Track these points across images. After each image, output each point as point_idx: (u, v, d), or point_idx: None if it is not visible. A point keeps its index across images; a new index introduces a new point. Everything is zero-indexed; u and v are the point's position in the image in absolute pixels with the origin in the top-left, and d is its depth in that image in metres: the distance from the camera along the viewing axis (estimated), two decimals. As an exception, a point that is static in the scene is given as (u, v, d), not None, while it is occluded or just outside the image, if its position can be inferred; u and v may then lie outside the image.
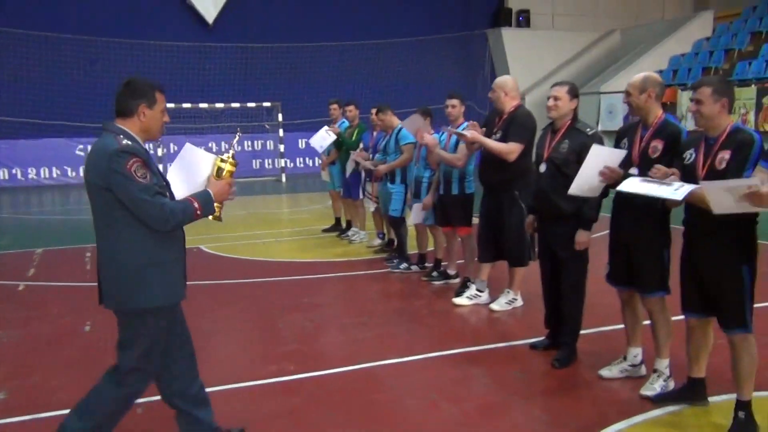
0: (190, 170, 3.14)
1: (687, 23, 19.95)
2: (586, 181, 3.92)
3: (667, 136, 3.84)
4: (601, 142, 4.31)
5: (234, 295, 6.43)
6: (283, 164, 18.50)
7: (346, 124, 8.71)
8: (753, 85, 14.62)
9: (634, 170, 3.93)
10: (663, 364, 4.03)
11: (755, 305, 3.43)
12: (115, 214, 2.87)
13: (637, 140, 3.97)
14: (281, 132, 18.47)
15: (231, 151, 3.18)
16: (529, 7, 22.32)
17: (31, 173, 17.85)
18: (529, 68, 20.83)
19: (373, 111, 7.74)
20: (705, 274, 3.50)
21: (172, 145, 18.55)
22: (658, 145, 3.86)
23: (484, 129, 5.58)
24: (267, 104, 18.56)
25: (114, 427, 3.12)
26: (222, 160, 3.14)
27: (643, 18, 22.83)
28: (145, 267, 2.91)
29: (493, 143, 5.37)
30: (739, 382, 3.48)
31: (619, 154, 3.90)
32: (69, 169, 18.01)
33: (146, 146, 3.03)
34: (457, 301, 5.95)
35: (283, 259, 8.11)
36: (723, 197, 2.99)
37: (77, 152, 18.00)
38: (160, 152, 17.65)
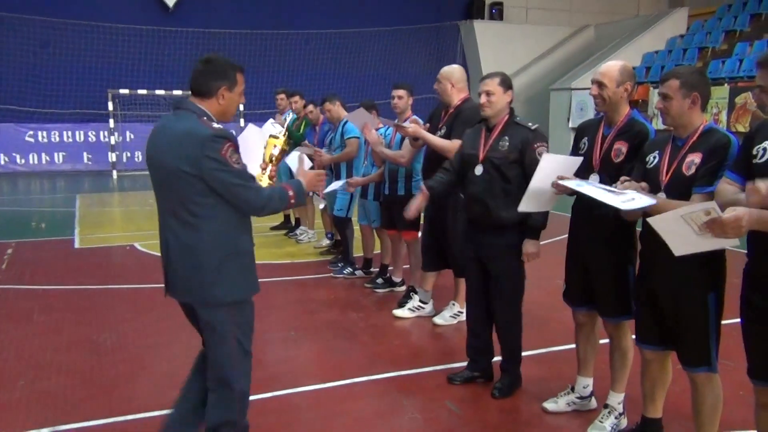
0: (250, 149, 3.06)
1: (661, 20, 19.56)
2: (537, 194, 3.35)
3: (632, 137, 3.28)
4: (544, 140, 3.78)
5: (151, 301, 5.78)
6: (243, 155, 17.77)
7: (295, 117, 8.11)
8: (726, 84, 14.22)
9: (594, 177, 3.38)
10: (616, 399, 3.52)
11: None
12: (201, 201, 2.67)
13: (599, 141, 3.41)
14: (242, 122, 17.74)
15: (283, 130, 3.19)
16: (503, 0, 21.80)
17: (3, 160, 16.88)
18: (501, 62, 20.23)
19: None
20: (663, 301, 2.98)
21: (128, 133, 17.78)
22: (622, 147, 3.30)
23: (428, 125, 5.02)
24: (228, 93, 17.79)
25: None
26: (273, 137, 3.17)
27: (617, 14, 22.41)
28: (228, 258, 2.75)
29: (436, 140, 4.82)
30: (701, 427, 2.98)
31: (574, 162, 3.33)
32: (18, 156, 17.09)
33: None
34: (398, 313, 5.40)
35: (220, 260, 7.47)
36: (680, 231, 2.41)
37: (27, 138, 17.08)
38: (112, 140, 16.84)
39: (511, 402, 3.85)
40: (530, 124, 3.85)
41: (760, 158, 2.49)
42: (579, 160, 3.34)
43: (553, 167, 3.27)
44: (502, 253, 3.82)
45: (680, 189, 2.81)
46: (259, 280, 6.38)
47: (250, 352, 2.97)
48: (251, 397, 3.81)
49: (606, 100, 3.33)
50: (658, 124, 15.24)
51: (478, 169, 3.89)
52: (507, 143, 3.80)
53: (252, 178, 2.80)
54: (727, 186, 2.60)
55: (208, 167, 2.62)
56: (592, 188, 2.94)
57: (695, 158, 2.82)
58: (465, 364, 4.36)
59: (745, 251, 2.59)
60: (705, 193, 2.72)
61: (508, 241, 3.80)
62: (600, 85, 3.32)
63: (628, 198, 2.76)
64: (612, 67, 3.34)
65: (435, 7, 21.38)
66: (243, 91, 2.85)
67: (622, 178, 3.00)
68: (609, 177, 3.29)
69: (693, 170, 2.80)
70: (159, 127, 2.81)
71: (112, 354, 4.56)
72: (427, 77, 19.28)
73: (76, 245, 8.27)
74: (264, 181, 3.14)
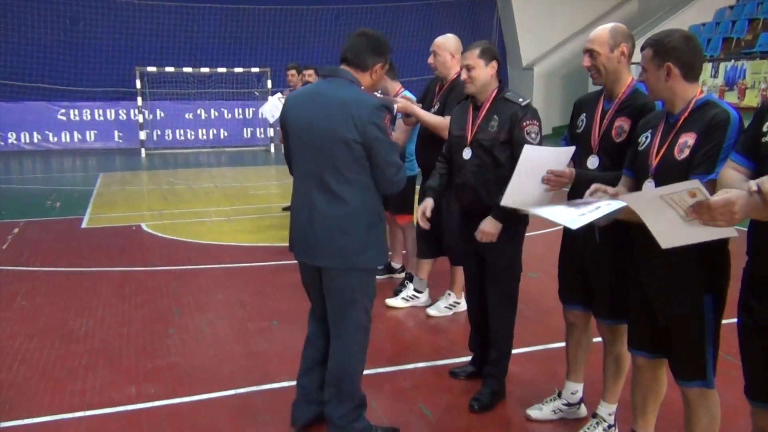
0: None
1: (709, -9, 18.52)
2: (523, 190, 2.89)
3: (635, 112, 2.81)
4: (535, 117, 3.33)
5: (141, 286, 5.57)
6: (272, 134, 17.54)
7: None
8: (776, 58, 13.34)
9: (594, 159, 2.95)
10: (607, 409, 3.11)
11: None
12: (355, 168, 2.73)
13: (598, 118, 2.95)
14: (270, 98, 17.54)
15: None
16: (542, -29, 20.95)
17: (11, 138, 17.05)
18: (539, 37, 19.59)
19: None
20: (654, 302, 2.56)
21: (158, 111, 17.74)
22: (624, 124, 2.84)
23: (420, 104, 4.61)
24: (255, 70, 17.55)
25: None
26: None
27: (664, -16, 21.36)
28: (373, 226, 2.83)
29: (428, 116, 4.42)
30: (692, 452, 2.56)
31: (565, 153, 2.90)
32: (50, 134, 17.22)
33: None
34: (391, 302, 5.05)
35: (223, 242, 7.23)
36: (663, 216, 1.96)
37: (59, 117, 17.21)
38: (141, 118, 16.79)
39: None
40: (521, 99, 3.38)
41: None
42: (570, 150, 2.90)
43: (540, 160, 2.85)
44: (498, 243, 3.37)
45: (670, 175, 2.33)
46: (256, 264, 6.18)
47: (370, 319, 3.04)
48: (216, 394, 3.62)
49: (602, 71, 2.87)
50: (701, 100, 14.46)
51: (467, 153, 3.44)
52: (496, 122, 3.35)
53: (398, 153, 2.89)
54: (731, 172, 2.14)
55: (373, 134, 2.69)
56: (551, 210, 2.47)
57: (688, 139, 2.37)
58: (454, 361, 4.04)
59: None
60: (706, 182, 2.26)
61: (504, 231, 3.35)
62: (591, 53, 2.87)
63: (590, 209, 2.29)
64: (602, 30, 2.88)
65: (471, -20, 20.71)
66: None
67: (596, 185, 2.54)
68: (609, 159, 2.87)
69: (686, 153, 2.35)
70: (310, 92, 2.88)
71: (81, 342, 4.34)
72: (462, 53, 18.82)
73: (84, 225, 8.14)
74: None
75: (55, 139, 17.27)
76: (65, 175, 13.28)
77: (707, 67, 14.23)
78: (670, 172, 2.38)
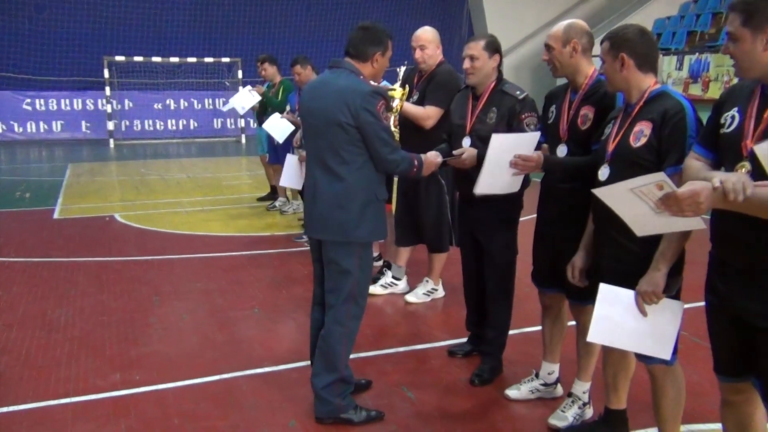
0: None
1: (675, -16, 18.89)
2: (494, 177, 3.10)
3: (598, 101, 2.98)
4: (533, 110, 3.46)
5: (118, 275, 5.57)
6: (243, 124, 17.47)
7: (270, 84, 7.86)
8: None
9: (563, 148, 3.09)
10: (581, 387, 3.25)
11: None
12: (351, 150, 2.98)
13: (565, 108, 3.11)
14: (240, 88, 17.44)
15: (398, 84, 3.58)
16: (512, -37, 21.12)
17: None
18: (509, 30, 19.70)
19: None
20: (612, 282, 2.67)
21: (126, 101, 17.53)
22: (588, 113, 3.00)
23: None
24: (226, 60, 17.44)
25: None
26: (392, 89, 3.55)
27: (631, -22, 21.71)
28: (369, 203, 3.04)
29: (408, 106, 4.51)
30: (662, 423, 2.71)
31: (530, 138, 3.07)
32: (15, 125, 16.92)
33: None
34: (370, 290, 5.13)
35: (198, 232, 7.24)
36: (635, 208, 2.08)
37: (24, 106, 16.92)
38: (109, 108, 16.56)
39: (469, 388, 3.58)
40: (518, 92, 3.51)
41: (728, 127, 2.16)
42: (536, 135, 3.08)
43: (508, 146, 3.01)
44: (494, 228, 3.55)
45: (625, 161, 2.53)
46: (233, 254, 6.22)
47: (365, 295, 3.21)
48: (201, 380, 3.67)
49: (557, 65, 3.05)
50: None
51: (466, 141, 3.57)
52: (495, 114, 3.49)
53: (394, 138, 3.13)
54: (694, 162, 2.27)
55: (365, 119, 2.93)
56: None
57: (644, 128, 2.51)
58: (434, 345, 4.17)
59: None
60: (678, 174, 2.40)
61: (500, 216, 3.53)
62: (548, 48, 3.05)
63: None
64: (557, 27, 3.06)
65: (441, -29, 20.80)
66: (390, 56, 3.17)
67: (518, 154, 2.87)
68: (577, 146, 3.03)
69: (642, 141, 2.50)
70: (319, 82, 3.19)
71: (62, 331, 4.35)
72: (432, 44, 18.89)
73: (56, 216, 8.07)
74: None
75: (21, 129, 16.99)
76: (32, 166, 13.10)
77: (672, 60, 14.55)
78: (624, 159, 2.54)
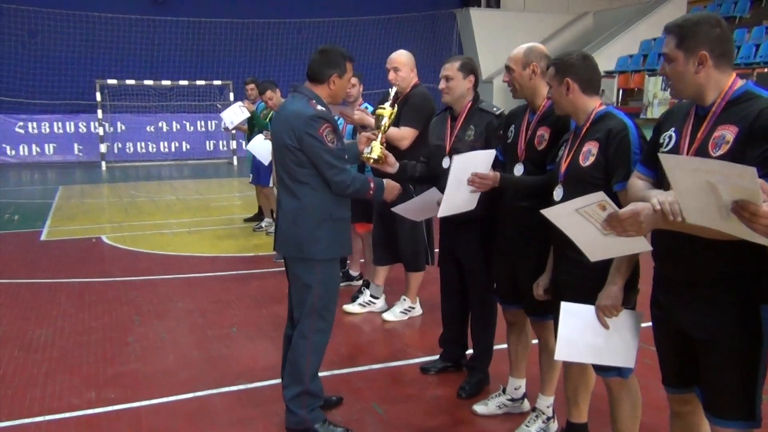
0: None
1: (660, 7, 19.19)
2: (454, 198, 3.19)
3: (554, 122, 3.08)
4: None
5: (100, 296, 5.62)
6: (235, 146, 17.58)
7: (263, 105, 7.95)
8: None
9: (519, 167, 3.18)
10: (545, 402, 3.31)
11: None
12: (302, 171, 3.11)
13: (524, 128, 3.22)
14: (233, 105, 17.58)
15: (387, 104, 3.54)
16: (500, -13, 21.49)
17: None
18: (498, 50, 19.88)
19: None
20: (570, 299, 2.75)
21: (119, 124, 17.64)
22: (544, 133, 3.11)
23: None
24: (217, 82, 17.60)
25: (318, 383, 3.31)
26: (382, 108, 3.53)
27: (617, 1, 22.06)
28: (323, 221, 3.14)
29: None
30: (619, 435, 2.77)
31: (486, 156, 3.16)
32: (8, 148, 16.98)
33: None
34: (348, 308, 5.20)
35: (184, 252, 7.31)
36: (583, 229, 2.14)
37: (17, 129, 16.97)
38: (101, 131, 16.64)
39: (439, 404, 3.65)
40: (495, 108, 3.64)
41: (666, 146, 2.26)
42: (491, 153, 3.18)
43: (467, 165, 3.11)
44: (475, 247, 3.63)
45: (576, 181, 2.63)
46: (217, 274, 6.27)
47: (330, 310, 3.28)
48: (175, 397, 3.72)
49: (517, 87, 3.15)
50: (652, 112, 14.91)
51: (446, 162, 3.64)
52: (473, 132, 3.60)
53: (344, 159, 3.23)
54: (636, 181, 2.36)
55: (307, 142, 3.06)
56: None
57: (592, 147, 2.61)
58: (408, 362, 4.24)
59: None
60: (622, 190, 2.50)
61: (480, 235, 3.60)
62: (508, 70, 3.16)
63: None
64: (518, 50, 3.17)
65: (431, -5, 21.10)
66: (351, 77, 3.31)
67: (475, 172, 3.04)
68: (533, 166, 3.12)
69: (590, 161, 2.60)
70: (280, 106, 3.42)
71: (42, 351, 4.40)
72: (423, 67, 18.96)
73: (43, 237, 8.12)
74: (375, 150, 3.47)
75: (13, 152, 17.03)
76: (23, 189, 13.16)
77: (658, 81, 14.73)
78: (576, 178, 2.63)
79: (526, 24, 20.66)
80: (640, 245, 2.12)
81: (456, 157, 3.14)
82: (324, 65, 3.20)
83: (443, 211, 3.24)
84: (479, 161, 3.13)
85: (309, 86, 3.23)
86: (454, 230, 3.73)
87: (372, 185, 3.26)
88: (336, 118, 5.53)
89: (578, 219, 2.13)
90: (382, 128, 3.50)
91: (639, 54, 17.25)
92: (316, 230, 3.14)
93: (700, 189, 1.72)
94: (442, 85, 3.64)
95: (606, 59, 18.32)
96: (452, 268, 3.85)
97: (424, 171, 3.87)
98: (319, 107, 3.14)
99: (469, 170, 3.09)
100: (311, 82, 3.24)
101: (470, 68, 3.66)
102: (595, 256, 2.28)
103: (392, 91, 3.68)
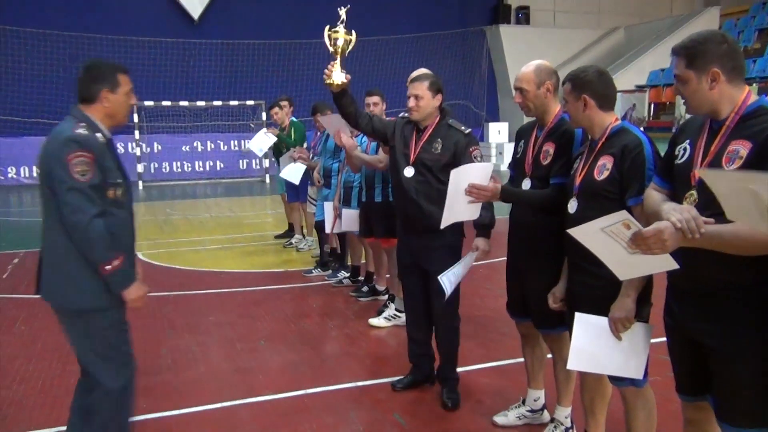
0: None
1: (692, 20, 19.05)
2: (454, 208, 3.29)
3: (558, 137, 3.15)
4: (478, 144, 3.74)
5: (135, 310, 5.72)
6: (267, 165, 17.89)
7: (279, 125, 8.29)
8: (755, 84, 13.72)
9: (527, 182, 3.26)
10: (563, 412, 3.36)
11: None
12: (52, 204, 2.63)
13: (531, 144, 3.29)
14: (264, 130, 17.90)
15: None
16: (529, 4, 21.55)
17: (11, 172, 17.39)
18: (528, 67, 20.05)
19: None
20: (584, 309, 2.81)
21: (155, 144, 18.10)
22: (549, 149, 3.17)
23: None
24: (250, 102, 17.98)
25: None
26: (335, 31, 3.57)
27: (648, 15, 21.93)
28: (79, 266, 2.66)
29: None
30: (635, 445, 2.80)
31: (483, 169, 3.25)
32: (50, 169, 17.54)
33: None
34: (374, 322, 5.30)
35: (216, 268, 7.49)
36: (609, 248, 2.17)
37: (58, 151, 17.53)
38: (138, 152, 17.12)
39: (460, 415, 3.71)
40: (463, 127, 3.76)
41: (681, 158, 2.32)
42: (489, 166, 3.27)
43: (464, 177, 3.20)
44: (439, 254, 3.72)
45: (590, 195, 2.70)
46: (247, 289, 6.37)
47: (113, 358, 2.94)
48: (197, 408, 3.83)
49: (530, 107, 3.20)
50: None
51: (408, 171, 3.77)
52: (440, 145, 3.72)
53: (92, 199, 2.59)
54: (653, 193, 2.42)
55: (50, 167, 2.60)
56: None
57: (607, 162, 2.67)
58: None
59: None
60: (640, 204, 2.55)
61: (444, 242, 3.71)
62: (521, 91, 3.19)
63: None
64: (527, 69, 3.20)
65: (460, 12, 21.28)
66: (131, 91, 2.84)
67: (476, 185, 3.15)
68: (540, 181, 3.18)
69: (605, 175, 2.66)
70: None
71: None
72: (454, 84, 19.24)
73: (81, 255, 8.37)
74: (336, 74, 3.53)
75: (55, 173, 17.57)
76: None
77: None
78: (590, 191, 2.70)
79: (556, 40, 20.70)
80: (667, 263, 2.12)
81: (454, 170, 3.22)
82: (90, 82, 2.76)
83: (445, 222, 3.33)
84: (477, 173, 3.21)
85: (81, 108, 2.77)
86: (414, 239, 3.82)
87: (117, 258, 2.67)
88: (360, 135, 5.70)
89: (604, 238, 2.15)
90: (339, 51, 3.59)
91: (670, 68, 17.10)
92: (69, 276, 2.70)
93: (741, 194, 1.82)
94: (411, 103, 3.73)
95: (637, 73, 18.25)
96: (416, 279, 3.92)
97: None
98: (81, 131, 2.63)
99: (466, 182, 3.17)
100: (82, 104, 2.77)
101: (438, 87, 3.75)
102: (624, 275, 2.33)
103: (342, 12, 3.69)
